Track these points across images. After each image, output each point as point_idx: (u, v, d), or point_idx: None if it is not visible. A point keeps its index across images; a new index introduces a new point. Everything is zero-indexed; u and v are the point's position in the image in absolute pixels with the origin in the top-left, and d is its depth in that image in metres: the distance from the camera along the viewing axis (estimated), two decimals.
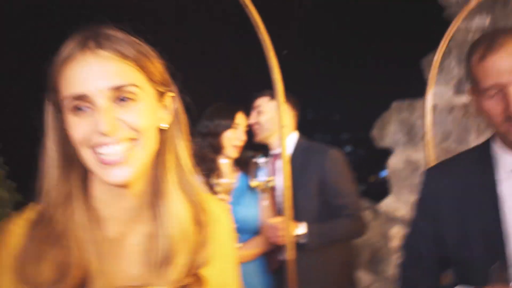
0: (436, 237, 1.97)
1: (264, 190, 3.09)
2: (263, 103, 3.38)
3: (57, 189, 1.23)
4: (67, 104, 1.15)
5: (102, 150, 1.14)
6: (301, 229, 3.02)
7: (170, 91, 1.29)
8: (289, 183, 2.71)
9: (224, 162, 2.93)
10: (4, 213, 3.19)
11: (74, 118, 1.15)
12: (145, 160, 1.20)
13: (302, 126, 3.53)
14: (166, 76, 1.27)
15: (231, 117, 3.16)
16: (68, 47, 1.17)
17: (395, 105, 4.66)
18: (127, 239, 1.28)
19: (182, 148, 1.31)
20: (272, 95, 3.05)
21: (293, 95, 3.41)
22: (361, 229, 3.27)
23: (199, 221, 1.30)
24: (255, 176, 3.07)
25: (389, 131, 4.63)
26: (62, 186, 1.23)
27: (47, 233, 1.20)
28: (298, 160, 3.27)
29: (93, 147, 1.15)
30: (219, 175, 2.89)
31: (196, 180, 1.35)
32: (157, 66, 1.24)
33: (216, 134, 3.09)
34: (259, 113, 3.39)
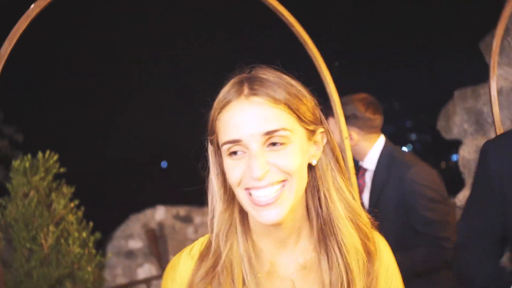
0: (498, 215, 1.85)
1: None
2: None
3: (221, 220, 1.32)
4: (224, 148, 1.23)
5: (255, 192, 1.22)
6: None
7: (321, 127, 1.32)
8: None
9: None
10: (87, 253, 3.32)
11: (231, 161, 1.23)
12: (294, 199, 1.25)
13: None
14: (317, 113, 1.31)
15: None
16: (226, 90, 1.26)
17: (457, 93, 4.49)
18: (281, 270, 1.34)
19: (339, 180, 1.34)
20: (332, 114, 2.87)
21: (365, 98, 3.17)
22: (442, 262, 2.81)
23: (369, 252, 1.34)
24: None
25: (455, 122, 4.47)
26: (225, 218, 1.32)
27: (212, 264, 1.30)
28: (379, 177, 3.04)
29: (247, 189, 1.22)
30: None
31: (361, 211, 1.38)
32: (308, 105, 1.28)
33: None
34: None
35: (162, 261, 6.28)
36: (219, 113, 1.25)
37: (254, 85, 1.23)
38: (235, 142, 1.20)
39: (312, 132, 1.29)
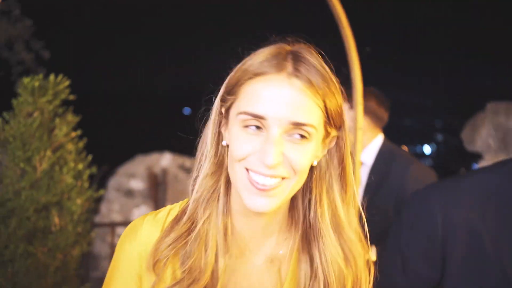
0: (434, 271, 1.65)
1: None
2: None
3: (205, 184, 1.25)
4: (240, 117, 1.14)
5: (256, 177, 1.14)
6: (372, 254, 2.76)
7: (337, 132, 1.23)
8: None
9: None
10: (79, 185, 3.28)
11: (243, 133, 1.14)
12: (288, 196, 1.19)
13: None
14: (342, 115, 1.21)
15: None
16: (264, 58, 1.15)
17: (490, 106, 4.29)
18: (251, 256, 1.29)
19: (335, 189, 1.25)
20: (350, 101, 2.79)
21: (379, 94, 3.20)
22: None
23: (348, 269, 1.27)
24: None
25: (481, 135, 4.28)
26: (210, 183, 1.25)
27: (185, 230, 1.23)
28: (378, 172, 3.06)
29: (248, 169, 1.14)
30: None
31: (350, 224, 1.28)
32: (340, 108, 1.18)
33: None
34: None
35: (158, 207, 6.31)
36: (250, 78, 1.14)
37: (299, 66, 1.12)
38: (257, 117, 1.11)
39: (328, 135, 1.20)
